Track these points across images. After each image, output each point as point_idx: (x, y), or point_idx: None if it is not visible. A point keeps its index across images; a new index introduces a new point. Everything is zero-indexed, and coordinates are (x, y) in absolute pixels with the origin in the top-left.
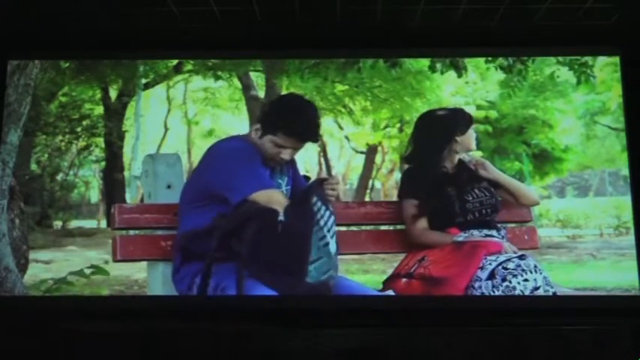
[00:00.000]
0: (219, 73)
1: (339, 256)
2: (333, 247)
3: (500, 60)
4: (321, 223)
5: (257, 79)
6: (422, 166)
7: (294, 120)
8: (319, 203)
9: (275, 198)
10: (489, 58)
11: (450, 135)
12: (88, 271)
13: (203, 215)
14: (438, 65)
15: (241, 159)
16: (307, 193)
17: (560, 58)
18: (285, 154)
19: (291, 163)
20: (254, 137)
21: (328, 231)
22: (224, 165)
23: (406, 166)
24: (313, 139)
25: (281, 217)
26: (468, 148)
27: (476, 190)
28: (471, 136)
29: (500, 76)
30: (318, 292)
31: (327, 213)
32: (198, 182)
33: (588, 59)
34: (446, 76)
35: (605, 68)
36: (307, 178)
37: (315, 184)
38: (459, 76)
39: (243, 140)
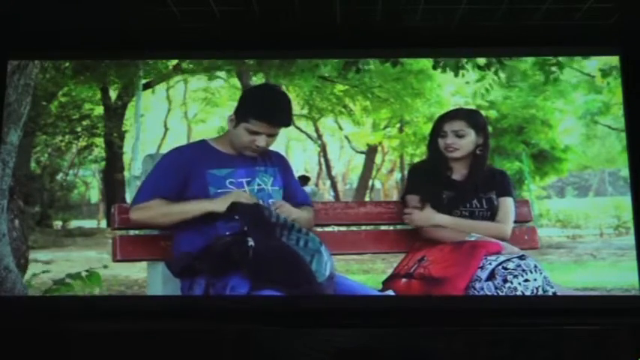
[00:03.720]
0: (219, 73)
1: (340, 256)
2: (312, 242)
3: (477, 59)
4: (285, 229)
5: (257, 79)
6: (426, 165)
7: (263, 105)
8: (273, 213)
9: (146, 214)
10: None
11: (432, 140)
12: (84, 274)
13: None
14: (441, 63)
15: (161, 162)
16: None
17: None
18: (260, 141)
19: (280, 163)
20: (230, 128)
21: (298, 231)
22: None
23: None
24: (285, 122)
25: (251, 243)
26: (453, 148)
27: (474, 201)
28: (445, 139)
29: (501, 75)
30: (329, 288)
31: (276, 213)
32: None
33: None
34: (446, 76)
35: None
36: (307, 178)
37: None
38: (456, 75)
39: (190, 147)
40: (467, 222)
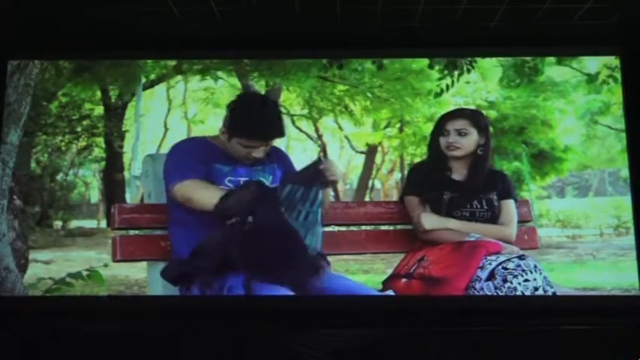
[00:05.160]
0: (219, 73)
1: (340, 256)
2: (314, 215)
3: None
4: (293, 202)
5: (257, 79)
6: (426, 165)
7: (252, 122)
8: (287, 186)
9: (187, 187)
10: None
11: (433, 139)
12: (85, 273)
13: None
14: (438, 66)
15: (180, 153)
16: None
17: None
18: (257, 153)
19: (280, 159)
20: (223, 139)
21: (303, 204)
22: (165, 163)
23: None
24: (277, 135)
25: (250, 219)
26: (455, 147)
27: (475, 202)
28: (447, 138)
29: (501, 76)
30: (317, 266)
31: (289, 187)
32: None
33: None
34: (445, 76)
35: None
36: None
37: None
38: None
39: (196, 140)
40: (474, 225)
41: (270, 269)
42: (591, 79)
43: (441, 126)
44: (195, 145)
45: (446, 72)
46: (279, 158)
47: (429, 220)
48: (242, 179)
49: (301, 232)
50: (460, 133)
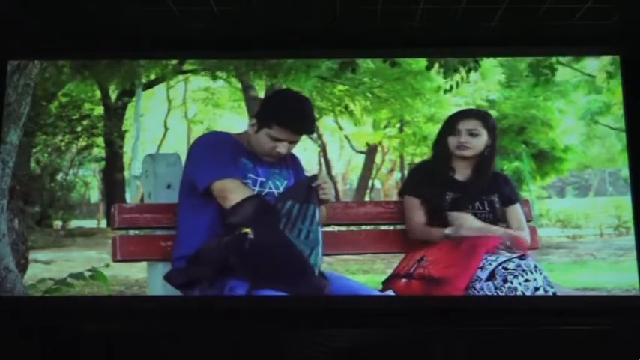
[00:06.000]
0: (219, 73)
1: (340, 256)
2: (314, 234)
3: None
4: (291, 219)
5: (256, 79)
6: (428, 165)
7: (287, 112)
8: (287, 203)
9: (228, 187)
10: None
11: (440, 139)
12: (87, 274)
13: (195, 220)
14: (436, 65)
15: (211, 148)
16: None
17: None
18: (282, 148)
19: (295, 166)
20: (250, 133)
21: (302, 222)
22: (196, 155)
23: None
24: (308, 130)
25: (250, 235)
26: (465, 147)
27: (477, 203)
28: (458, 138)
29: (501, 75)
30: (321, 284)
31: (289, 204)
32: (183, 174)
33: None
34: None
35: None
36: None
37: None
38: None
39: (224, 134)
40: (493, 228)
41: (274, 284)
42: (611, 75)
43: (451, 126)
44: (224, 140)
45: (448, 72)
46: (295, 165)
47: (472, 220)
48: (260, 179)
49: (305, 250)
50: (472, 133)
